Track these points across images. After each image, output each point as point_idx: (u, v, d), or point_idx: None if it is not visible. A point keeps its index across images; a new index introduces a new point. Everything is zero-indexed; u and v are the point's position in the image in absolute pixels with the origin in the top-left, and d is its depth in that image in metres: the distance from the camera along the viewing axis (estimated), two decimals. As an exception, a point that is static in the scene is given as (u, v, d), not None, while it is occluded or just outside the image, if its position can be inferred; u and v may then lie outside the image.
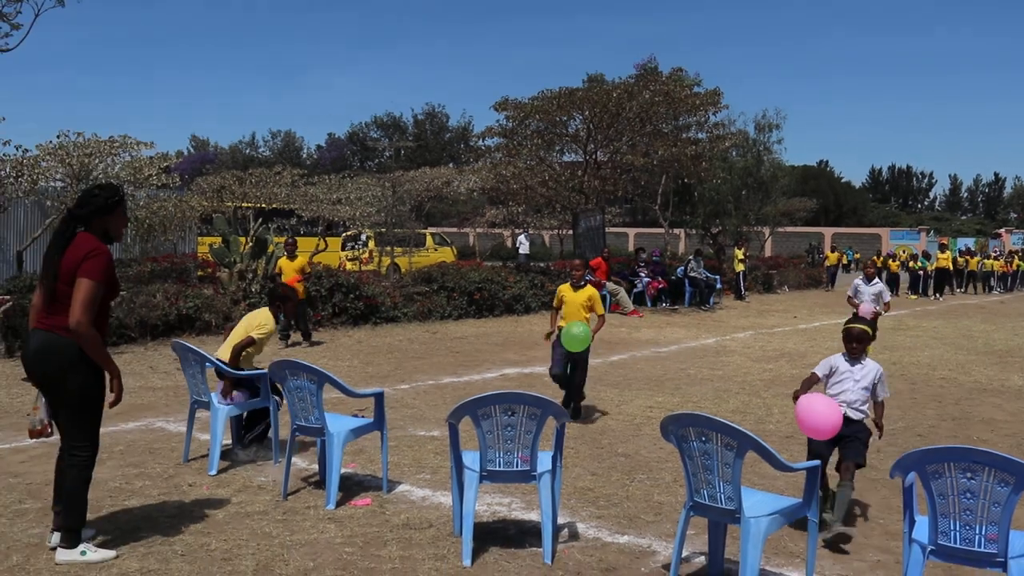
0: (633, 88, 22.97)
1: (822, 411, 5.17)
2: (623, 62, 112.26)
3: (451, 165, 58.07)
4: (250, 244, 17.48)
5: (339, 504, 6.14)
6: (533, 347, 14.53)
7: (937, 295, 31.71)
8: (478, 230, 51.89)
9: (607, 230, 25.61)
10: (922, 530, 4.25)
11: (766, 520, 4.46)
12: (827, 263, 34.84)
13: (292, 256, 14.86)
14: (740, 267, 27.15)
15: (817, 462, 4.79)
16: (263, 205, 24.06)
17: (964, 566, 4.46)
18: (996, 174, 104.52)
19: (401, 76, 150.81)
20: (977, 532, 4.00)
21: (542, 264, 28.79)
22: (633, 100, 22.55)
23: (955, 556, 4.16)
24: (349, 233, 31.93)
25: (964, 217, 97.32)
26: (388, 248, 28.75)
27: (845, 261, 35.29)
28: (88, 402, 5.00)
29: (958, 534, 4.06)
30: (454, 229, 52.01)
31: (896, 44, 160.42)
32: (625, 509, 6.24)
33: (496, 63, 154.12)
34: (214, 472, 6.85)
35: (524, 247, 40.01)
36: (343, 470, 6.72)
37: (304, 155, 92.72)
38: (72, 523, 5.01)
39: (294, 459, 6.88)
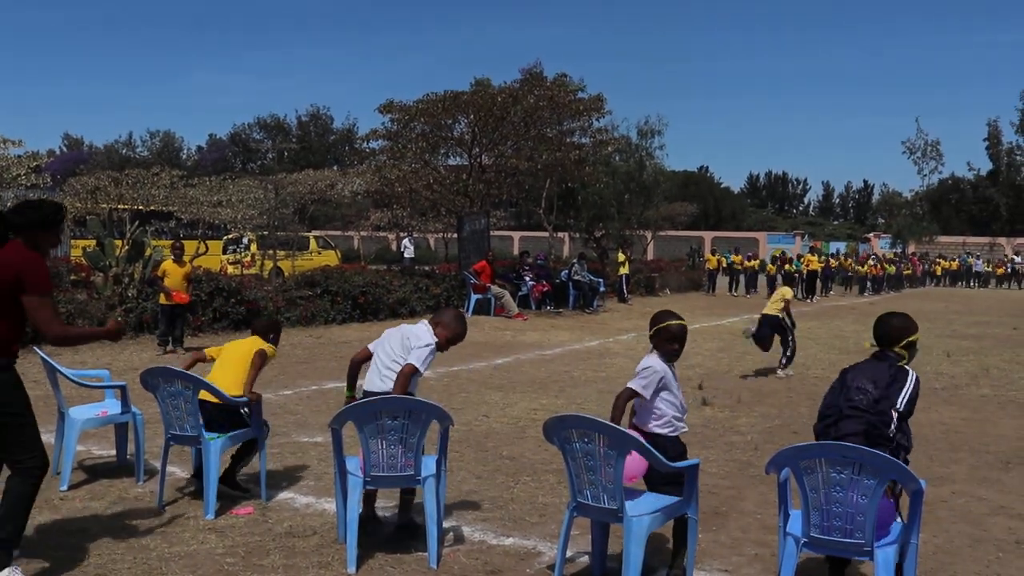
0: (518, 93, 23.10)
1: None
2: (509, 67, 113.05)
3: (335, 168, 57.47)
4: (126, 247, 16.93)
5: (219, 514, 6.00)
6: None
7: (809, 297, 32.76)
8: (362, 233, 51.46)
9: (492, 233, 25.67)
10: (796, 523, 4.39)
11: (648, 518, 4.54)
12: (707, 266, 35.60)
13: (180, 260, 14.37)
14: (623, 270, 27.56)
15: (697, 460, 4.89)
16: (140, 207, 23.36)
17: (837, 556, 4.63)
18: (865, 181, 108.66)
19: (285, 77, 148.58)
20: (847, 524, 4.15)
21: (427, 267, 28.72)
22: (518, 104, 22.69)
23: (826, 547, 4.30)
24: (231, 236, 31.27)
25: (836, 222, 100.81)
26: (271, 251, 28.29)
27: (724, 264, 36.07)
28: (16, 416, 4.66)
29: (829, 525, 4.19)
30: (338, 232, 51.39)
31: (774, 56, 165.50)
32: (510, 511, 6.26)
33: (382, 65, 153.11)
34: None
35: (409, 251, 39.81)
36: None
37: (184, 156, 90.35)
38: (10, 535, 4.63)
39: (171, 468, 6.69)
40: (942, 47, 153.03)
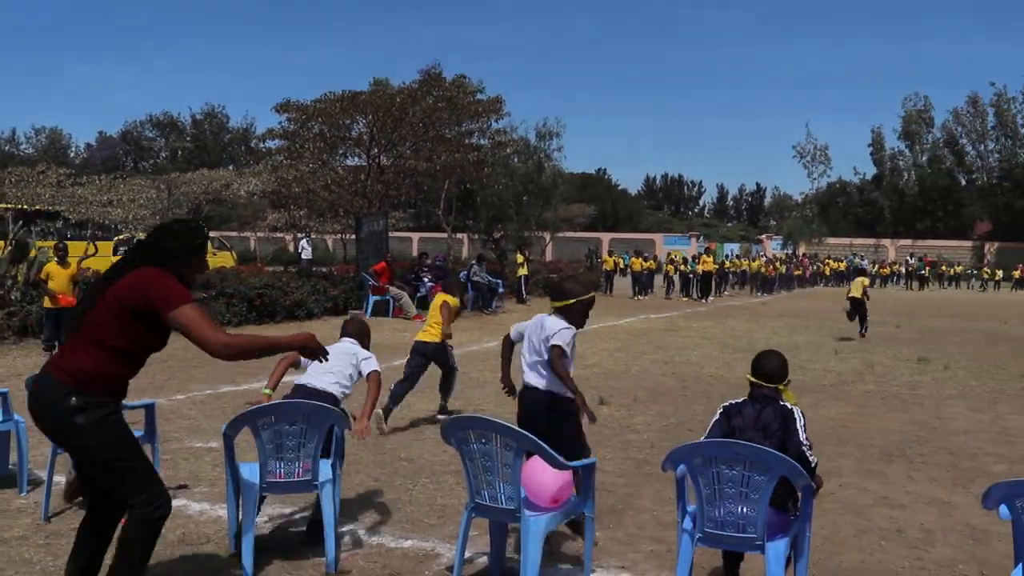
0: (417, 93, 23.08)
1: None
2: (408, 67, 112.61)
3: (231, 167, 56.41)
4: (9, 248, 16.30)
5: (108, 523, 5.82)
6: (316, 353, 14.25)
7: (704, 297, 33.44)
8: (259, 234, 50.67)
9: (390, 235, 25.57)
10: (692, 519, 4.48)
11: (545, 518, 4.57)
12: (604, 267, 35.97)
13: (64, 262, 13.78)
14: (522, 271, 27.69)
15: (594, 459, 4.95)
16: (24, 206, 22.55)
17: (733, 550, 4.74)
18: (758, 184, 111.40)
19: (179, 73, 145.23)
20: (740, 519, 4.25)
21: (324, 269, 28.41)
22: (417, 105, 22.67)
23: (721, 541, 4.40)
24: (121, 237, 30.40)
25: (730, 224, 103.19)
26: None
27: (622, 265, 36.59)
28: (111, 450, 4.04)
29: (723, 520, 4.29)
30: (234, 233, 50.47)
31: (669, 59, 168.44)
32: (408, 513, 6.23)
33: (280, 64, 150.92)
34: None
35: (306, 252, 39.26)
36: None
37: (72, 154, 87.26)
38: None
39: (58, 478, 6.47)
40: (831, 55, 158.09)
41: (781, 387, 4.79)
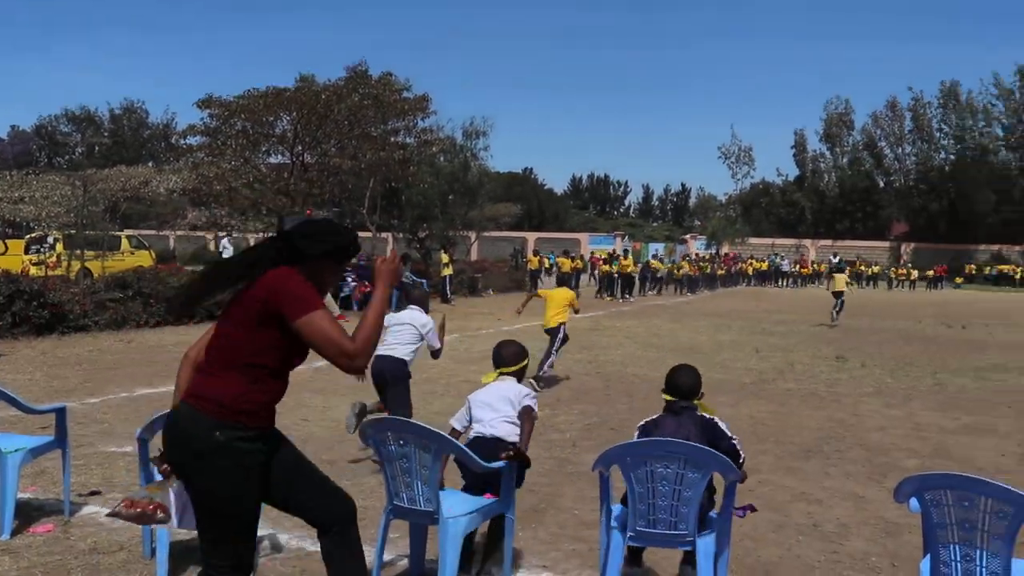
0: (343, 90, 22.92)
1: None
2: (334, 64, 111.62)
3: (150, 164, 55.33)
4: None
5: (15, 533, 5.65)
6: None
7: (626, 296, 33.72)
8: (178, 233, 49.78)
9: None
10: (620, 517, 4.52)
11: (464, 520, 4.56)
12: (530, 267, 36.03)
13: None
14: (447, 271, 27.63)
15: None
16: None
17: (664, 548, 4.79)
18: (683, 184, 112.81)
19: (97, 66, 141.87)
20: (672, 516, 4.32)
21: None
22: (342, 102, 22.50)
23: (652, 539, 4.47)
24: (34, 235, 29.59)
25: (655, 224, 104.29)
26: (78, 251, 26.93)
27: (547, 265, 36.76)
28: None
29: (655, 519, 4.35)
30: (152, 232, 49.43)
31: (594, 59, 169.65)
32: (329, 517, 6.16)
33: (203, 59, 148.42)
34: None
35: (228, 251, 38.72)
36: (22, 495, 6.18)
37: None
38: None
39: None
40: (755, 58, 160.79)
41: (696, 401, 4.86)
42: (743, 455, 4.69)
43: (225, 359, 3.48)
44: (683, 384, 4.87)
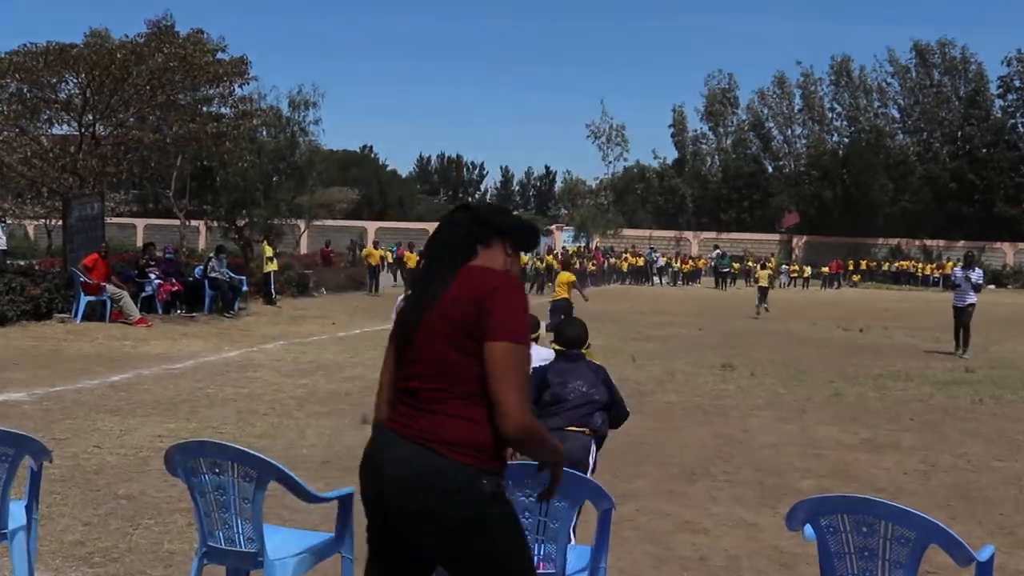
0: (143, 49, 22.20)
1: None
2: (133, 17, 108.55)
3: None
4: None
5: None
6: (7, 368, 13.48)
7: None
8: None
9: (108, 221, 24.54)
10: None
11: (293, 561, 4.47)
12: (369, 261, 35.48)
13: None
14: (271, 266, 27.19)
15: (350, 489, 4.87)
16: None
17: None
18: (547, 167, 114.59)
19: None
20: (536, 553, 4.25)
21: (23, 262, 26.99)
22: (143, 64, 21.79)
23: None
24: None
25: (516, 212, 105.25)
26: None
27: (390, 259, 36.56)
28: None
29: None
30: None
31: (445, 27, 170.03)
32: (127, 564, 5.97)
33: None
34: None
35: (1, 241, 37.25)
36: None
37: None
38: None
39: None
40: (627, 27, 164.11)
41: (584, 350, 6.30)
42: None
43: (455, 389, 3.17)
44: (572, 335, 6.34)
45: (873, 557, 3.75)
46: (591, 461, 6.02)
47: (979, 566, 3.80)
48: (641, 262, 59.44)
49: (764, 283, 33.34)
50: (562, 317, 14.56)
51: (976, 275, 19.72)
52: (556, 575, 4.30)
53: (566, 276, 20.23)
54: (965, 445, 10.39)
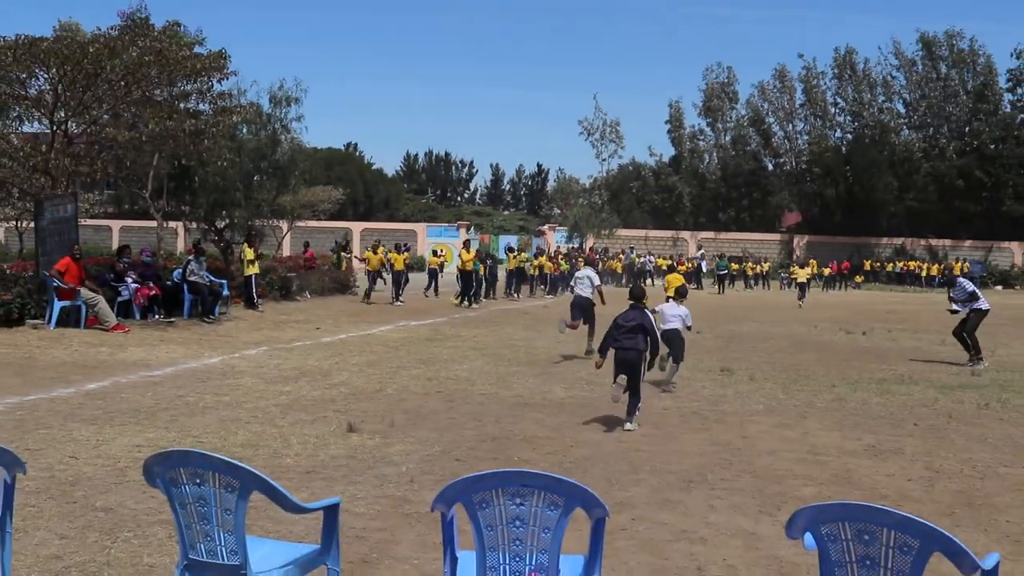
0: (116, 43, 22.15)
1: None
2: (106, 9, 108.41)
3: None
4: None
5: None
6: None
7: (463, 300, 33.42)
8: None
9: (82, 222, 24.49)
10: (467, 566, 4.47)
11: (278, 574, 4.50)
12: (368, 267, 35.12)
13: None
14: (252, 269, 27.16)
15: (336, 499, 4.90)
16: None
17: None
18: (539, 165, 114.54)
19: None
20: (529, 564, 4.29)
21: (-6, 267, 26.89)
22: (116, 58, 21.74)
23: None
24: None
25: (507, 212, 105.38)
26: None
27: (400, 265, 36.30)
28: None
29: (508, 567, 4.29)
30: None
31: (429, 18, 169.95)
32: (105, 578, 6.00)
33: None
34: None
35: (-30, 244, 37.24)
36: None
37: None
38: None
39: None
40: (623, 16, 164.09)
41: (644, 302, 11.66)
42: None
43: None
44: (635, 293, 11.90)
45: (875, 566, 3.76)
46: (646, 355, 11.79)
47: (984, 574, 3.84)
48: (620, 268, 57.71)
49: (803, 279, 42.38)
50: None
51: (957, 292, 19.35)
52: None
53: (675, 278, 22.56)
54: (971, 451, 10.45)
